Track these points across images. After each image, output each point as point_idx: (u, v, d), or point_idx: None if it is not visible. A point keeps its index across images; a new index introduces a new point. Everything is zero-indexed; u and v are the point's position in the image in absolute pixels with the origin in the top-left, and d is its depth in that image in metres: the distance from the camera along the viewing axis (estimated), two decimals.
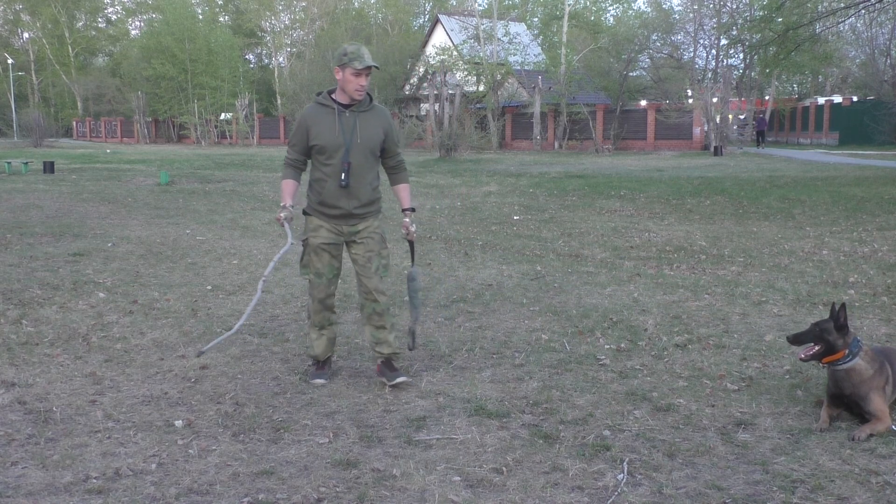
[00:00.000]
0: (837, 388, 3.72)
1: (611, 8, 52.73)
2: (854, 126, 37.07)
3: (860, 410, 3.66)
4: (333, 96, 4.21)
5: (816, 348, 3.78)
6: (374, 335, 4.32)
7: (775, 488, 3.06)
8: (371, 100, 4.27)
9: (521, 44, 44.21)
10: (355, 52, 4.07)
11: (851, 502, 2.95)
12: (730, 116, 33.85)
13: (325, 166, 4.18)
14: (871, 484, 3.08)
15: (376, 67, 4.14)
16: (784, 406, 3.91)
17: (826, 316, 3.87)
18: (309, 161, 4.33)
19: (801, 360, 3.86)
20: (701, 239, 9.48)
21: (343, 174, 4.14)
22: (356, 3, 66.70)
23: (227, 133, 58.19)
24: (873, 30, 42.81)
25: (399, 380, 4.21)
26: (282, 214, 4.19)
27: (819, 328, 3.80)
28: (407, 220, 4.37)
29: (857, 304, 6.04)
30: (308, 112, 4.22)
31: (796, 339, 3.89)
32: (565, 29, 42.84)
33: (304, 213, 4.34)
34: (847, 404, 3.72)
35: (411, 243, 4.47)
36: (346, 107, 4.17)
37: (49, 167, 21.81)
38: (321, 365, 4.45)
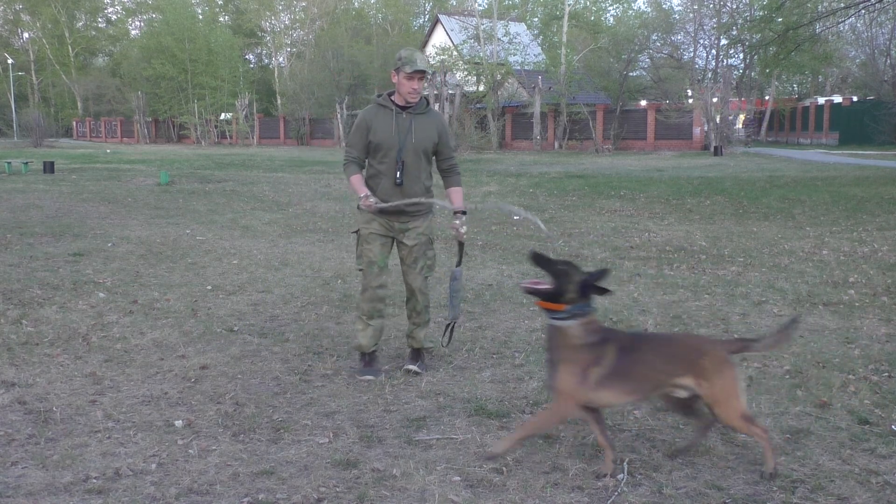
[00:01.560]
0: (545, 346, 3.21)
1: (611, 8, 52.71)
2: (854, 126, 37.03)
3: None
4: (392, 98, 4.42)
5: (544, 285, 3.19)
6: (409, 329, 4.62)
7: (775, 488, 3.06)
8: (427, 104, 4.48)
9: (521, 44, 44.17)
10: (408, 56, 4.30)
11: (851, 502, 2.95)
12: (730, 117, 33.81)
13: (380, 164, 4.38)
14: (871, 484, 3.08)
15: (425, 72, 4.33)
16: (784, 406, 3.91)
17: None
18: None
19: (521, 287, 3.26)
20: (701, 239, 9.48)
21: (398, 172, 4.34)
22: (356, 3, 66.70)
23: (227, 133, 58.17)
24: (873, 30, 42.79)
25: (411, 367, 4.49)
26: (370, 200, 4.27)
27: (565, 266, 3.20)
28: (457, 221, 4.44)
29: (857, 304, 6.04)
30: (368, 111, 4.42)
31: (538, 259, 3.24)
32: (565, 29, 42.80)
33: (358, 207, 4.49)
34: None
35: (461, 244, 4.59)
36: (403, 108, 4.38)
37: (49, 167, 21.81)
38: (367, 360, 4.52)
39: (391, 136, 4.33)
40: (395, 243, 4.52)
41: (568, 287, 3.14)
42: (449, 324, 4.60)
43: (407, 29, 63.78)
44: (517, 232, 10.32)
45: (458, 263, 4.57)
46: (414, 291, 4.52)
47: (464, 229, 4.44)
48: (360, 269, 4.49)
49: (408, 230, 4.46)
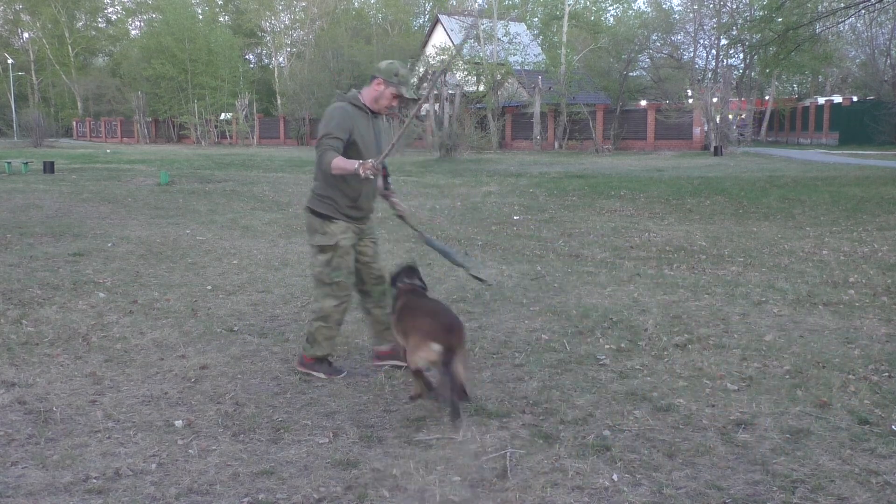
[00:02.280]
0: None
1: (611, 8, 52.78)
2: (854, 126, 37.05)
3: None
4: (362, 99, 4.31)
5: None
6: (384, 320, 4.54)
7: (775, 488, 3.06)
8: None
9: (521, 44, 44.20)
10: (404, 77, 4.25)
11: (851, 502, 2.95)
12: (730, 116, 33.79)
13: None
14: (871, 484, 3.08)
15: (413, 99, 4.35)
16: (784, 406, 3.91)
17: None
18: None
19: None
20: (701, 239, 9.48)
21: (387, 178, 4.39)
22: (356, 3, 66.71)
23: (227, 133, 58.19)
24: (873, 30, 42.80)
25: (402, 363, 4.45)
26: (370, 162, 3.97)
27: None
28: (394, 199, 4.54)
29: (857, 304, 6.04)
30: (348, 109, 4.24)
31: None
32: (565, 29, 42.84)
33: (320, 215, 4.29)
34: None
35: (404, 217, 4.60)
36: (371, 112, 4.33)
37: (49, 167, 21.80)
38: (330, 362, 4.51)
39: (371, 140, 4.25)
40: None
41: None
42: (471, 273, 4.67)
43: (407, 29, 63.77)
44: (517, 232, 10.32)
45: (416, 230, 4.70)
46: (382, 276, 4.52)
47: (403, 204, 4.58)
48: (336, 282, 4.31)
49: (369, 228, 4.52)
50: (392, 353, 4.57)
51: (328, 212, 4.28)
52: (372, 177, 4.03)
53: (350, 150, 4.18)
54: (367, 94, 4.30)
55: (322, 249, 4.31)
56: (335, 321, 4.42)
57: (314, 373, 4.44)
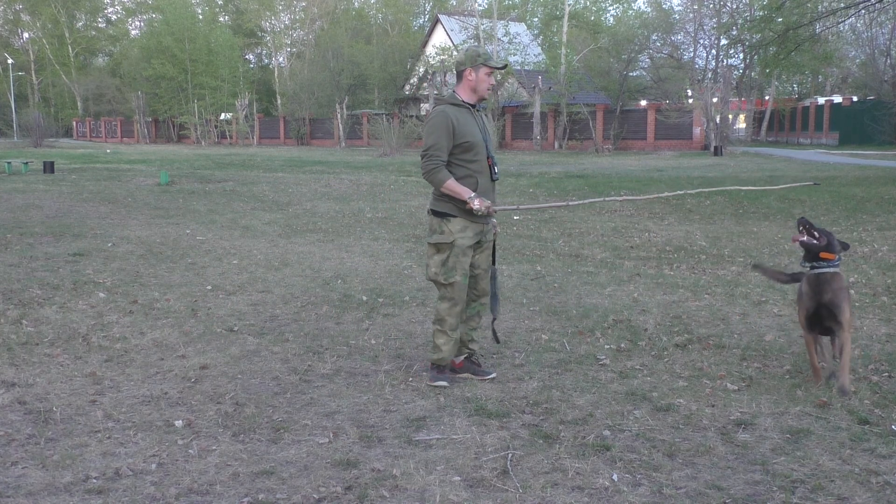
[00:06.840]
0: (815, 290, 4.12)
1: (611, 8, 52.75)
2: (854, 126, 37.04)
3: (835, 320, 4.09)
4: (459, 97, 4.28)
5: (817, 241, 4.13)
6: (469, 334, 4.45)
7: (775, 488, 3.06)
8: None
9: (521, 44, 44.20)
10: (487, 52, 4.29)
11: (851, 502, 2.95)
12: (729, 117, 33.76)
13: (472, 163, 4.21)
14: (871, 484, 3.08)
15: (504, 68, 4.35)
16: (784, 406, 3.91)
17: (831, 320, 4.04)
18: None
19: (796, 240, 4.19)
20: (701, 239, 9.48)
21: (495, 168, 4.32)
22: (356, 3, 66.68)
23: (227, 133, 58.16)
24: (873, 30, 42.74)
25: (490, 375, 4.41)
26: (486, 203, 4.10)
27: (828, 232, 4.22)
28: (495, 220, 4.44)
29: (857, 304, 6.03)
30: (448, 112, 4.19)
31: (806, 222, 4.16)
32: (565, 29, 42.83)
33: (439, 213, 4.23)
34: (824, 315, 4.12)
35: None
36: (472, 106, 4.30)
37: (49, 167, 21.81)
38: (443, 369, 4.34)
39: (477, 134, 4.21)
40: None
41: (836, 245, 4.15)
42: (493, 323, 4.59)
43: (407, 29, 63.73)
44: (517, 232, 10.31)
45: (494, 262, 4.52)
46: (483, 295, 4.42)
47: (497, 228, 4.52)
48: (451, 283, 4.20)
49: (489, 230, 4.37)
50: (461, 365, 4.42)
51: (446, 209, 4.20)
52: (484, 212, 4.10)
53: (462, 150, 4.18)
54: (464, 90, 4.28)
55: (438, 248, 4.21)
56: (450, 326, 4.26)
57: (435, 384, 4.25)
